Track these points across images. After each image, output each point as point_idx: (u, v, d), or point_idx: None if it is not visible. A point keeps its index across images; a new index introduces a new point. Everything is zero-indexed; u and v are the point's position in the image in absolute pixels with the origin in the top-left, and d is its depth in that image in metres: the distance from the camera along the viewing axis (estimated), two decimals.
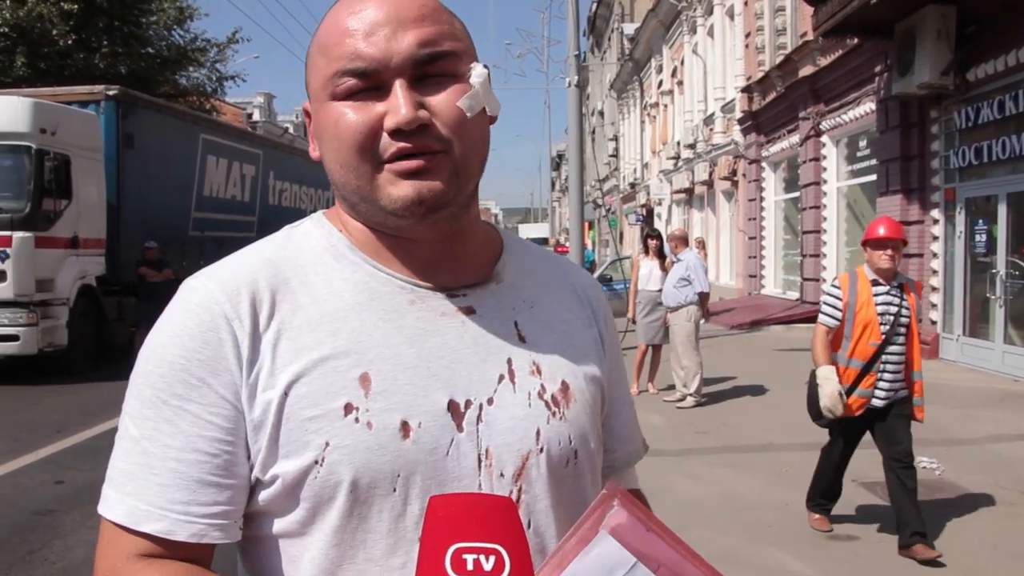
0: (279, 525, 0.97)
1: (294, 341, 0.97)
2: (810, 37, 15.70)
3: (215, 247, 16.67)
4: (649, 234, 10.68)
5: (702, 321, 9.69)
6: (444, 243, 1.04)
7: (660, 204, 34.14)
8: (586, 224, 31.83)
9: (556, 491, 1.02)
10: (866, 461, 6.76)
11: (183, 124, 15.73)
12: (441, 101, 0.97)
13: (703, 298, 9.43)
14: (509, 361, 1.03)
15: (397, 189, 0.96)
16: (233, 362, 0.95)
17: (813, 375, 5.09)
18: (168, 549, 0.95)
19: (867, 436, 5.20)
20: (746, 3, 21.78)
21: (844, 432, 5.21)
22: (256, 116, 48.47)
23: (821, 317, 5.10)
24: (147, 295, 12.99)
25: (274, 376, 0.95)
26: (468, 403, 0.99)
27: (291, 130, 51.30)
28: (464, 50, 1.01)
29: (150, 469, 0.95)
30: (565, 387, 1.06)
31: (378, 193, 0.97)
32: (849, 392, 4.93)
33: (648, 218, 35.18)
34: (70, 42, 19.94)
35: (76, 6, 19.84)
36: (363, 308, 1.00)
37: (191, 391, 0.95)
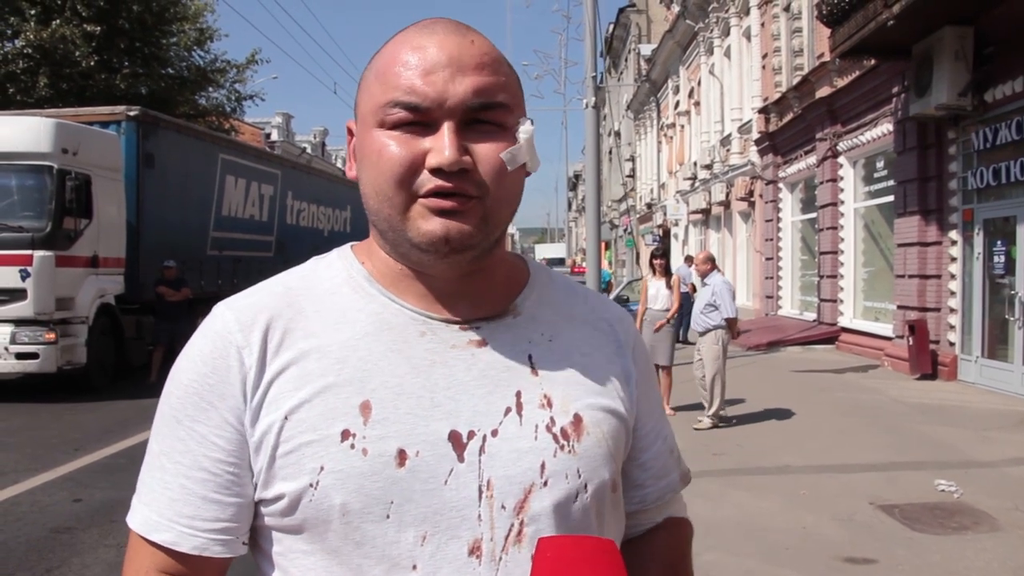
0: (286, 544, 1.01)
1: (301, 368, 1.00)
2: (827, 58, 15.70)
3: (233, 266, 16.78)
4: (654, 254, 10.77)
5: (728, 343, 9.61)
6: (462, 278, 1.06)
7: (677, 224, 34.11)
8: (603, 244, 31.83)
9: (563, 525, 1.01)
10: (884, 483, 6.73)
11: (202, 144, 15.86)
12: (485, 150, 0.99)
13: (730, 322, 9.40)
14: (518, 394, 1.03)
15: (427, 224, 0.98)
16: (238, 388, 1.00)
17: None
18: (179, 562, 1.01)
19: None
20: (763, 24, 21.82)
21: None
22: (274, 136, 48.80)
23: None
24: (165, 314, 13.09)
25: (278, 401, 0.99)
26: (471, 434, 0.99)
27: (309, 150, 51.68)
28: (515, 104, 1.03)
29: (164, 483, 1.01)
30: (577, 420, 1.05)
31: (408, 225, 0.99)
32: None
33: (665, 238, 35.15)
34: (92, 63, 20.18)
35: (99, 28, 20.09)
36: (372, 338, 1.02)
37: (200, 413, 1.01)
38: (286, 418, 0.97)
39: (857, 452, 7.79)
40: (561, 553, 0.95)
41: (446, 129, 0.97)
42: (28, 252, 10.91)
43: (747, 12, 23.53)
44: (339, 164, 57.90)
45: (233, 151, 17.22)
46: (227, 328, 1.02)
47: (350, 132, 1.09)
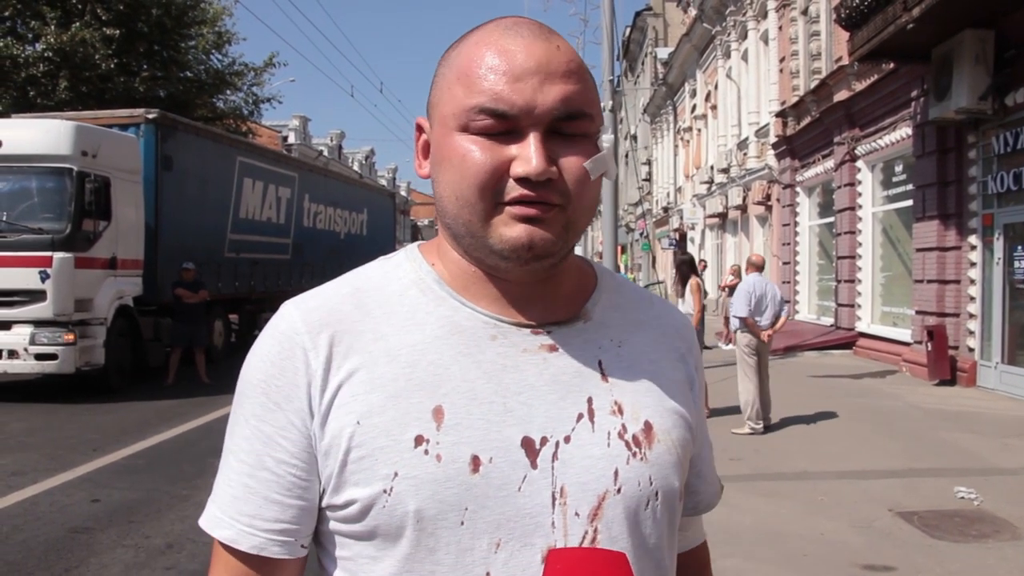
0: (354, 549, 1.00)
1: (371, 372, 0.98)
2: (845, 62, 15.63)
3: (250, 269, 16.85)
4: (682, 260, 10.81)
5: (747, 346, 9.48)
6: (535, 283, 1.05)
7: (693, 228, 34.04)
8: (619, 248, 31.74)
9: (635, 533, 1.01)
10: (903, 490, 6.68)
11: (220, 147, 15.96)
12: (570, 160, 0.98)
13: (746, 324, 9.30)
14: (590, 400, 1.02)
15: (511, 231, 0.97)
16: (304, 390, 0.99)
17: None
18: (253, 569, 1.02)
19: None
20: (780, 27, 21.75)
21: None
22: (291, 139, 48.92)
23: None
24: (183, 316, 13.15)
25: (348, 405, 0.97)
26: (544, 440, 0.98)
27: (326, 153, 51.79)
28: (596, 113, 1.02)
29: (228, 481, 1.02)
30: (648, 427, 1.04)
31: (489, 231, 0.98)
32: None
33: (681, 242, 35.08)
34: (112, 66, 20.30)
35: (118, 31, 20.21)
36: (443, 342, 1.01)
37: (267, 413, 1.00)
38: (358, 423, 0.96)
39: (875, 458, 7.75)
40: (572, 565, 0.95)
41: (533, 138, 0.95)
42: (48, 254, 10.99)
43: (764, 15, 23.47)
44: (355, 167, 58.08)
45: (251, 154, 17.31)
46: (294, 329, 1.01)
47: (419, 129, 1.08)
